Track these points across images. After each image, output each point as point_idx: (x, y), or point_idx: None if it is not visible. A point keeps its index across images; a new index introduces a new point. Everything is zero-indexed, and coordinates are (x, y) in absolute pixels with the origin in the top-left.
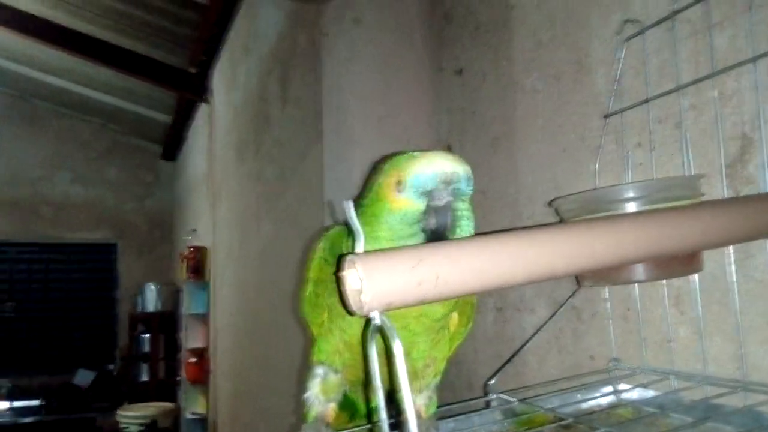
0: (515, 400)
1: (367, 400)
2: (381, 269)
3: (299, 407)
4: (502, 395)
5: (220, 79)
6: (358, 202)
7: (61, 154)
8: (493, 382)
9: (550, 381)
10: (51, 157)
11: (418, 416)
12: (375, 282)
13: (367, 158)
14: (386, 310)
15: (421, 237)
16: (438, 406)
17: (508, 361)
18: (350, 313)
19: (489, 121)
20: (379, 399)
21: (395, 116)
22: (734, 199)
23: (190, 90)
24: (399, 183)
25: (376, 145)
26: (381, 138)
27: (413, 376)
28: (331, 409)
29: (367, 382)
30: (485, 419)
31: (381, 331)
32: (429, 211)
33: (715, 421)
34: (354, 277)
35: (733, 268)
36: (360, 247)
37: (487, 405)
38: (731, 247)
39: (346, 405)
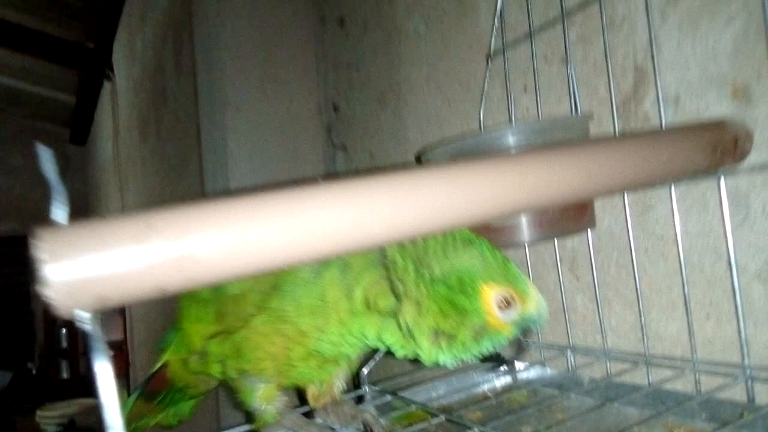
0: (388, 394)
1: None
2: (80, 247)
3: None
4: (375, 387)
5: (120, 53)
6: (425, 262)
7: None
8: (366, 371)
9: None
10: None
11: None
12: (70, 268)
13: (247, 123)
14: (100, 309)
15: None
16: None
17: None
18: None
19: (374, 74)
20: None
21: (277, 75)
22: (624, 135)
23: (88, 67)
24: (507, 304)
25: (256, 108)
26: (262, 100)
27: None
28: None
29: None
30: None
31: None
32: (514, 343)
33: (618, 402)
34: (42, 259)
35: (630, 222)
36: (61, 215)
37: (360, 399)
38: (627, 198)
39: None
